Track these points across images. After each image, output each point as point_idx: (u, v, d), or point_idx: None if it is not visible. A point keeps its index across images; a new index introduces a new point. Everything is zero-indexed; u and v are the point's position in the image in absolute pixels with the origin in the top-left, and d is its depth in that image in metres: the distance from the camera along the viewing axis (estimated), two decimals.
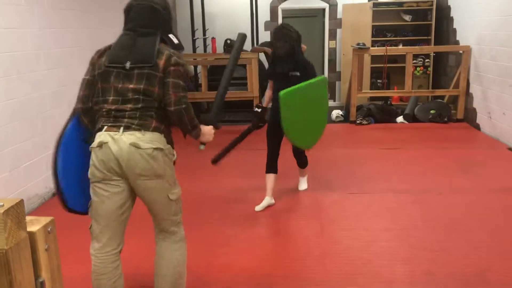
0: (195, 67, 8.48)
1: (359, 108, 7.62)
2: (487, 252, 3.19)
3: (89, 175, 2.23)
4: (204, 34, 8.79)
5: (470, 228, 3.55)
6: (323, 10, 9.34)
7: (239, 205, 4.12)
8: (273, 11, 9.19)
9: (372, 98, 8.41)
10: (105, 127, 2.18)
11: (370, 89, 8.71)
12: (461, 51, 7.24)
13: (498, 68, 6.16)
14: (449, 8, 8.07)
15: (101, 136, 2.17)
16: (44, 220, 1.15)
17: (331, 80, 9.57)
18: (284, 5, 9.24)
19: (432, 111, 7.40)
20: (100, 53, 2.30)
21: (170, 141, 2.29)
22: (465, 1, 7.35)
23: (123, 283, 2.36)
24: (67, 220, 3.73)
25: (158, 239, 2.42)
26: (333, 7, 9.19)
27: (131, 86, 2.19)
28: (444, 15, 8.29)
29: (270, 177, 4.08)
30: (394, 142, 6.17)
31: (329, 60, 9.47)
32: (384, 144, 6.07)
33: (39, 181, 4.36)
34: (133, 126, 2.17)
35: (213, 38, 8.86)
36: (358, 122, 7.38)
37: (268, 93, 4.19)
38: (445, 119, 7.27)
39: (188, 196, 4.28)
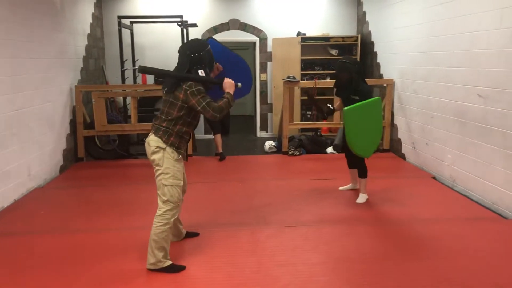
0: (124, 99, 8.22)
1: (291, 139, 7.72)
2: (419, 283, 3.23)
3: None
4: (134, 65, 8.58)
5: (403, 260, 3.60)
6: (254, 43, 9.49)
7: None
8: None
9: (302, 130, 8.58)
10: None
11: (301, 121, 8.91)
12: (385, 84, 7.60)
13: (420, 101, 6.50)
14: (372, 43, 8.49)
15: None
16: None
17: (262, 111, 9.66)
18: (215, 38, 9.25)
19: None
20: None
21: (176, 145, 3.35)
22: (386, 38, 7.77)
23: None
24: None
25: None
26: (263, 41, 9.37)
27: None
28: (368, 50, 8.71)
29: (351, 171, 5.30)
30: (325, 173, 6.26)
31: (261, 93, 9.57)
32: (316, 175, 6.14)
33: None
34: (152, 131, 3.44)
35: None
36: (290, 153, 7.46)
37: (339, 104, 5.26)
38: None
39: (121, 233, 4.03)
